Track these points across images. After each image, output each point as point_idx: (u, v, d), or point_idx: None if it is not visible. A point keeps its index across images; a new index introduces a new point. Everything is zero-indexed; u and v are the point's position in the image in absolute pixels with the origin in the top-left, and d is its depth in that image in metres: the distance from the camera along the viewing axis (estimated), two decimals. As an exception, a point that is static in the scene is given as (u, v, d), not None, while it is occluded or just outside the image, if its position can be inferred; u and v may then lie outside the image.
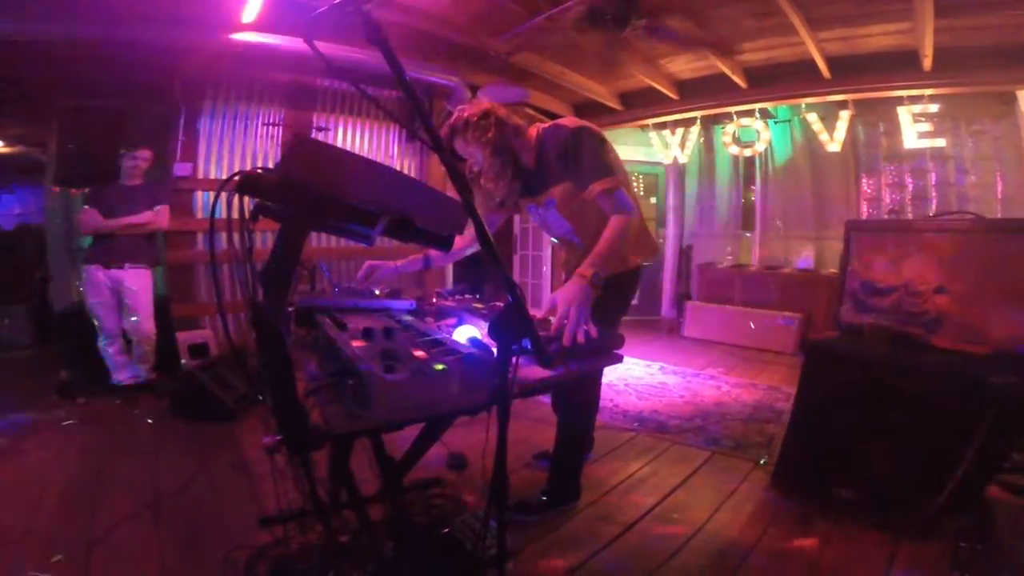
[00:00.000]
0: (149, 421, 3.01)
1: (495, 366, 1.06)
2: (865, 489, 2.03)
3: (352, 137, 4.50)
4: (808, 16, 3.39)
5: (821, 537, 1.91)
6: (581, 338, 1.33)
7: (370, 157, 4.71)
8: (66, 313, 3.77)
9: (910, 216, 4.90)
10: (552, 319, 1.41)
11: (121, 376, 3.37)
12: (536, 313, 1.48)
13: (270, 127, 4.09)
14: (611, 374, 4.12)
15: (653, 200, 6.92)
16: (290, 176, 1.03)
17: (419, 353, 1.19)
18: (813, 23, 3.50)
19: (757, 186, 6.07)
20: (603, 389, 3.63)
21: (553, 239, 2.18)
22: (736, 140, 5.34)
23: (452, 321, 1.63)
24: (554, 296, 1.47)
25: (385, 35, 0.94)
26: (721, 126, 5.53)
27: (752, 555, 1.81)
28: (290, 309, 1.67)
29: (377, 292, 1.90)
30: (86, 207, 3.30)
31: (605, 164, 1.73)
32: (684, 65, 4.44)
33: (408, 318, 1.66)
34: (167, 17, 3.13)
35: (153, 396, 3.37)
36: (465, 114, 1.81)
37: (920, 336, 2.24)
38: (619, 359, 1.45)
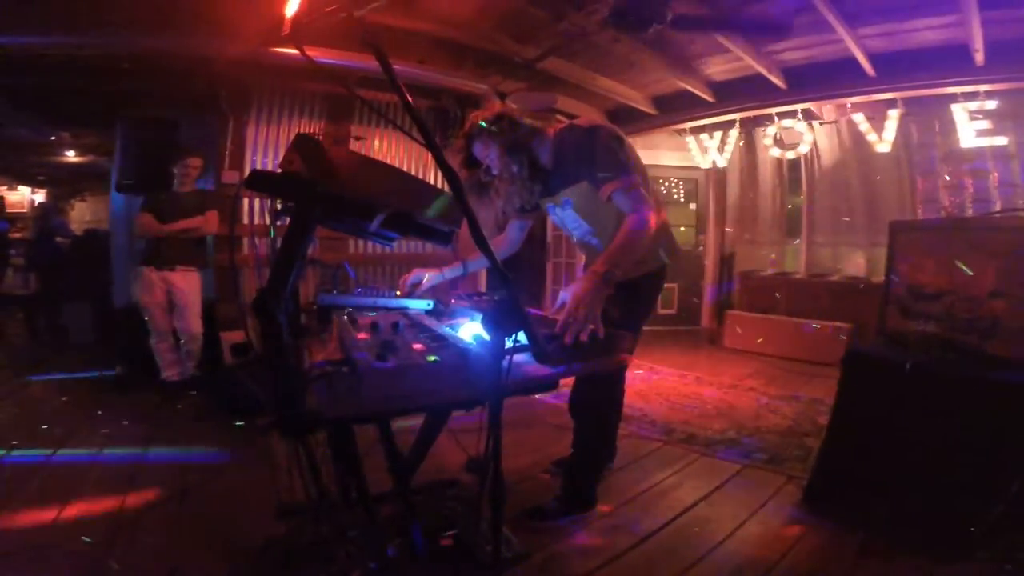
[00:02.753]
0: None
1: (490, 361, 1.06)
2: (904, 504, 1.89)
3: (388, 146, 4.62)
4: (843, 11, 3.23)
5: (853, 555, 1.78)
6: (585, 337, 1.30)
7: (400, 164, 4.76)
8: (124, 312, 4.04)
9: (971, 220, 4.58)
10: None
11: (169, 372, 3.57)
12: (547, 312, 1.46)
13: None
14: (642, 383, 4.03)
15: (693, 206, 6.73)
16: (291, 172, 1.07)
17: (418, 346, 1.21)
18: (849, 18, 3.33)
19: (803, 190, 5.83)
20: (632, 398, 3.56)
21: (572, 239, 2.14)
22: (778, 142, 5.14)
23: (464, 319, 1.64)
24: (564, 293, 1.44)
25: (377, 41, 0.97)
26: (762, 128, 5.34)
27: (773, 572, 1.71)
28: (313, 307, 1.74)
29: (397, 292, 1.94)
30: (142, 212, 3.54)
31: (620, 163, 1.69)
32: (718, 67, 4.32)
33: (422, 316, 1.69)
34: (214, 29, 3.30)
35: (196, 391, 3.56)
36: (479, 118, 1.82)
37: (973, 344, 2.08)
38: (627, 362, 1.42)
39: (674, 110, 5.19)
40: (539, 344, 1.12)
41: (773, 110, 4.79)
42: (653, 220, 1.63)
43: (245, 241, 4.13)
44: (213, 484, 2.28)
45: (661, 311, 6.14)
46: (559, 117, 5.17)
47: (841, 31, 3.39)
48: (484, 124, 1.81)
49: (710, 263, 6.46)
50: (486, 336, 1.28)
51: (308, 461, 1.41)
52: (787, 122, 4.99)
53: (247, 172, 4.14)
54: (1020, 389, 1.76)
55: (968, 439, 1.81)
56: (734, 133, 5.43)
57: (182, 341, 3.61)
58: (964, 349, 2.07)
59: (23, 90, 4.33)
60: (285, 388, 1.00)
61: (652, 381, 4.18)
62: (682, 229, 6.55)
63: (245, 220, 4.14)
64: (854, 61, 3.86)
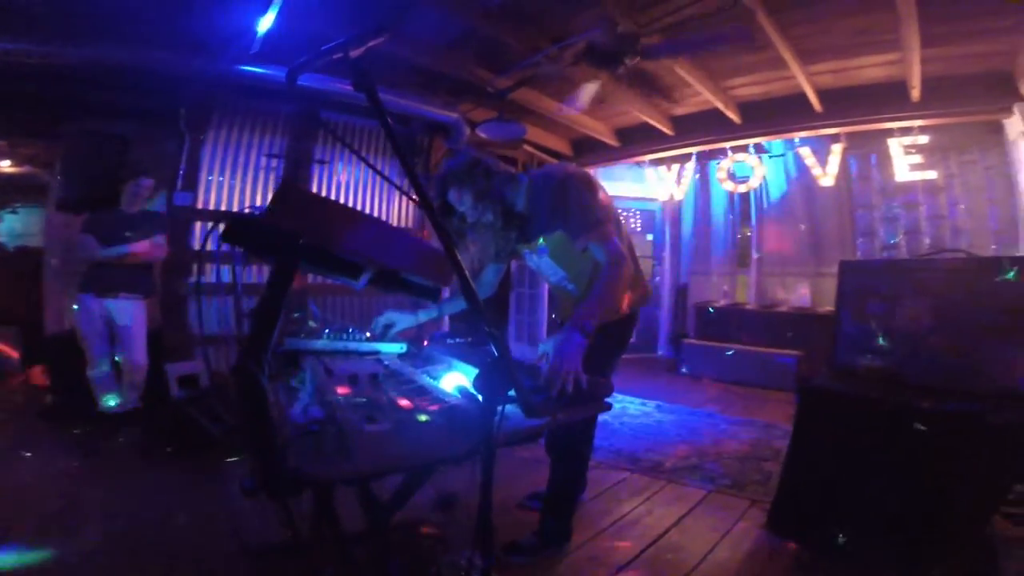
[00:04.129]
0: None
1: (480, 416, 1.05)
2: (862, 528, 1.99)
3: (352, 170, 4.51)
4: (799, 48, 3.44)
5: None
6: (570, 388, 1.31)
7: (366, 190, 4.64)
8: (57, 338, 3.75)
9: (904, 251, 4.93)
10: (542, 364, 1.39)
11: (108, 403, 3.33)
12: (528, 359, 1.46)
13: (271, 158, 4.13)
14: (605, 413, 4.07)
15: (649, 237, 6.95)
16: (276, 225, 1.03)
17: (404, 402, 1.18)
18: (804, 55, 3.54)
19: (752, 223, 6.12)
20: (597, 428, 3.57)
21: (548, 284, 2.14)
22: (731, 176, 5.40)
23: (442, 367, 1.61)
24: (546, 344, 1.45)
25: (371, 83, 0.96)
26: (716, 162, 5.60)
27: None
28: (278, 350, 1.66)
29: (368, 334, 1.88)
30: (83, 234, 3.30)
31: (595, 213, 1.71)
32: (681, 101, 4.52)
33: (397, 362, 1.65)
34: (175, 43, 3.17)
35: (139, 425, 3.32)
36: (453, 166, 1.79)
37: (916, 377, 2.23)
38: (607, 407, 1.44)
39: (635, 142, 5.37)
40: (527, 401, 1.11)
41: (727, 144, 5.04)
42: (627, 270, 1.66)
43: (195, 267, 3.89)
44: (166, 523, 2.14)
45: (619, 340, 6.31)
46: (527, 147, 5.27)
47: (795, 68, 3.60)
48: (459, 172, 1.77)
49: (666, 293, 6.67)
50: (474, 392, 1.27)
51: (286, 514, 1.35)
52: (739, 156, 5.25)
53: (200, 194, 3.96)
54: (956, 418, 1.89)
55: (913, 466, 1.93)
56: (690, 166, 5.67)
57: (124, 372, 3.37)
58: (907, 383, 2.22)
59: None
60: (270, 452, 0.95)
61: (615, 410, 4.21)
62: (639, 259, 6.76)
63: (198, 246, 3.93)
64: (803, 97, 4.11)
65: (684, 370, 5.72)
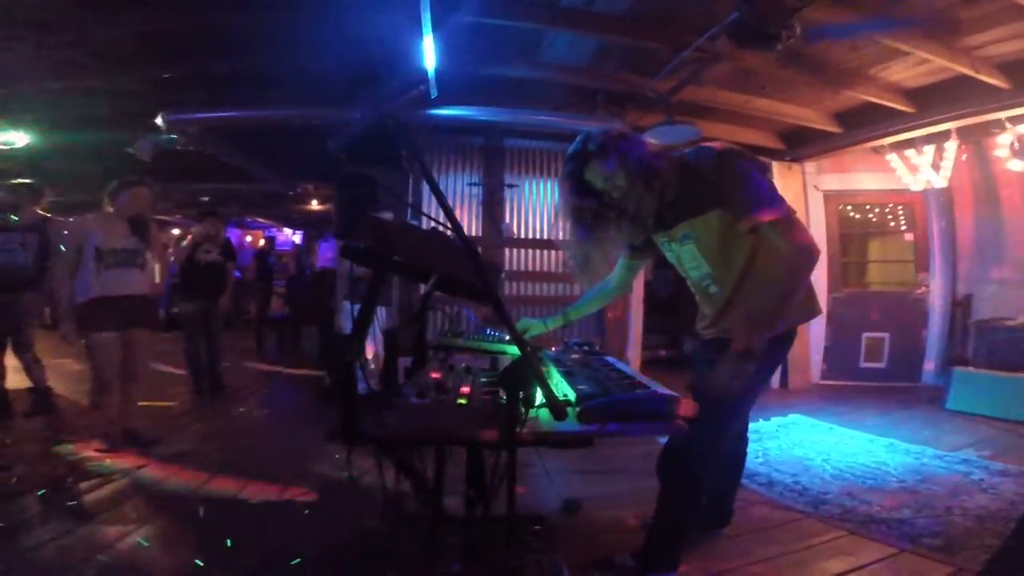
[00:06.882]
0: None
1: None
2: None
3: (536, 193, 4.93)
4: None
5: None
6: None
7: (547, 209, 4.96)
8: (335, 336, 5.10)
9: None
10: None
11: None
12: None
13: (471, 187, 4.84)
14: (809, 446, 3.52)
15: (910, 236, 5.63)
16: (367, 246, 1.38)
17: (465, 388, 1.39)
18: None
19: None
20: (787, 460, 3.14)
21: (688, 283, 1.88)
22: (1018, 152, 4.04)
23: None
24: None
25: (410, 140, 1.23)
26: (994, 136, 4.24)
27: None
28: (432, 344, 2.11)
29: (507, 338, 2.15)
30: (344, 258, 4.49)
31: (766, 189, 1.52)
32: (905, 72, 3.62)
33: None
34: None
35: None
36: (599, 139, 1.66)
37: None
38: (678, 429, 1.27)
39: (862, 125, 4.47)
40: (554, 403, 1.13)
41: (1000, 115, 3.79)
42: (816, 250, 1.48)
43: (422, 287, 4.78)
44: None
45: (865, 364, 5.34)
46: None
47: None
48: (607, 143, 1.65)
49: (938, 307, 5.28)
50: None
51: (409, 475, 1.69)
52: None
53: (424, 222, 4.88)
54: None
55: None
56: (952, 146, 4.44)
57: (367, 362, 4.42)
58: None
59: (271, 151, 5.83)
60: (347, 408, 1.28)
61: (826, 443, 3.61)
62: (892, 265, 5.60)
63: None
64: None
65: (951, 404, 4.45)
